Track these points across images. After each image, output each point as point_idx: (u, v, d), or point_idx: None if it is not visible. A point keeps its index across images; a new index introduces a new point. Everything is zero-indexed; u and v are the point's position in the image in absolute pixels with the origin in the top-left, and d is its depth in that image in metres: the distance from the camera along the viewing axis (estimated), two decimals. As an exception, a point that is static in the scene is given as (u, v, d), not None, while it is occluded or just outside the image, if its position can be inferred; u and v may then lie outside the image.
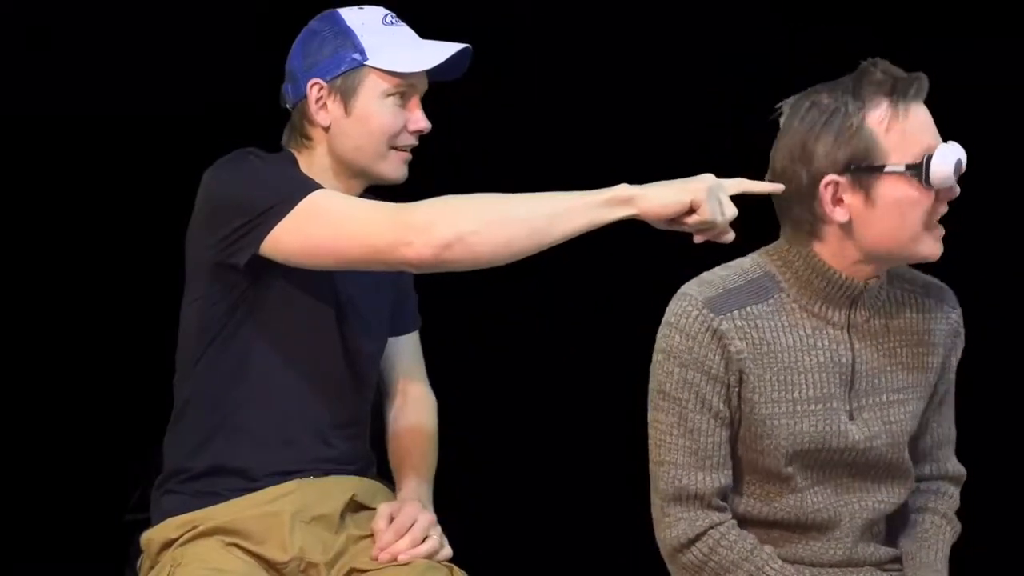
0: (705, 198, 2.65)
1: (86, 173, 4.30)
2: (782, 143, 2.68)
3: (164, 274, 4.11)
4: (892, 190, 2.62)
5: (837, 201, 2.64)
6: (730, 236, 2.71)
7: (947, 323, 2.82)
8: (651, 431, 2.77)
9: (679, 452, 2.72)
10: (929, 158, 2.60)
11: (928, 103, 2.67)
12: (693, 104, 4.08)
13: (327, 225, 2.76)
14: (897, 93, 2.61)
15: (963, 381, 2.92)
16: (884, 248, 2.66)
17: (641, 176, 2.75)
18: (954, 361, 2.86)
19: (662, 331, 2.74)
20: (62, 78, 4.24)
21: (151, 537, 2.92)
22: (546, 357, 4.35)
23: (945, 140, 2.66)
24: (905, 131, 2.61)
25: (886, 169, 2.60)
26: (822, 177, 2.62)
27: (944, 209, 2.66)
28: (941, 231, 2.67)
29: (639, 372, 2.93)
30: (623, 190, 2.67)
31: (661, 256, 2.98)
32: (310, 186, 2.83)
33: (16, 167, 4.29)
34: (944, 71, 2.81)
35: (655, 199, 2.66)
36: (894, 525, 2.90)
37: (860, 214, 2.63)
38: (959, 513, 2.94)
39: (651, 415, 2.77)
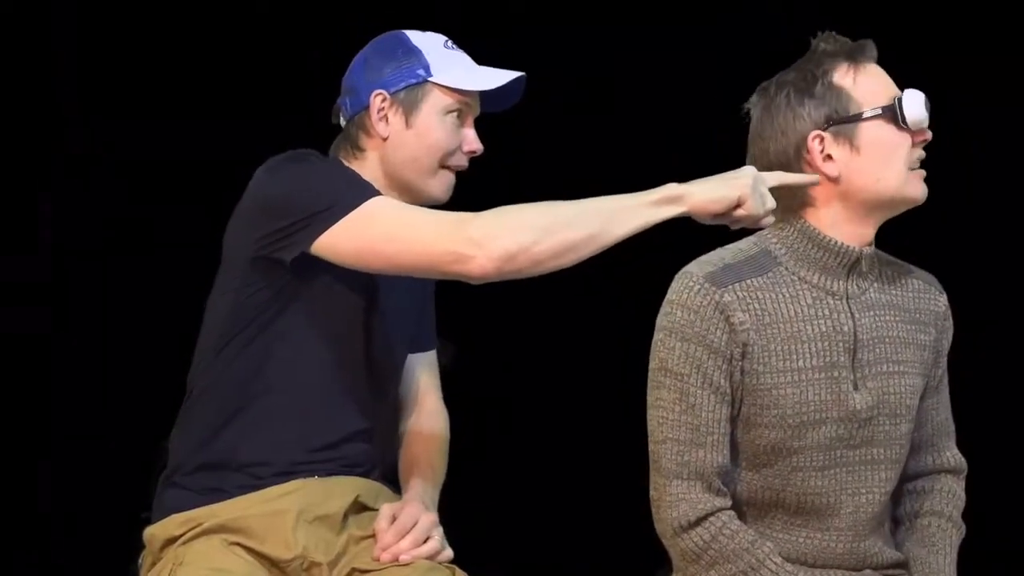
0: (750, 193, 2.71)
1: (87, 173, 4.31)
2: (762, 128, 2.79)
3: (167, 274, 4.15)
4: (873, 134, 2.75)
5: (825, 157, 2.75)
6: (770, 220, 2.76)
7: (936, 305, 2.89)
8: (651, 412, 2.79)
9: (681, 428, 2.74)
10: (899, 100, 2.76)
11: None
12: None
13: (385, 232, 2.78)
14: (853, 54, 2.77)
15: (965, 381, 2.92)
16: (875, 194, 2.76)
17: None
18: (946, 345, 2.92)
19: (664, 310, 2.78)
20: (60, 77, 4.25)
21: (154, 533, 2.91)
22: (547, 360, 4.35)
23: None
24: (870, 82, 2.77)
25: (864, 115, 2.74)
26: (807, 135, 2.75)
27: (922, 154, 2.78)
28: (923, 174, 2.78)
29: (638, 372, 2.93)
30: (672, 189, 2.72)
31: (659, 260, 2.98)
32: (370, 191, 2.85)
33: (16, 166, 4.30)
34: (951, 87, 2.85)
35: (703, 196, 2.71)
36: (898, 528, 2.91)
37: (848, 163, 2.75)
38: (964, 511, 2.95)
39: (652, 395, 2.80)
